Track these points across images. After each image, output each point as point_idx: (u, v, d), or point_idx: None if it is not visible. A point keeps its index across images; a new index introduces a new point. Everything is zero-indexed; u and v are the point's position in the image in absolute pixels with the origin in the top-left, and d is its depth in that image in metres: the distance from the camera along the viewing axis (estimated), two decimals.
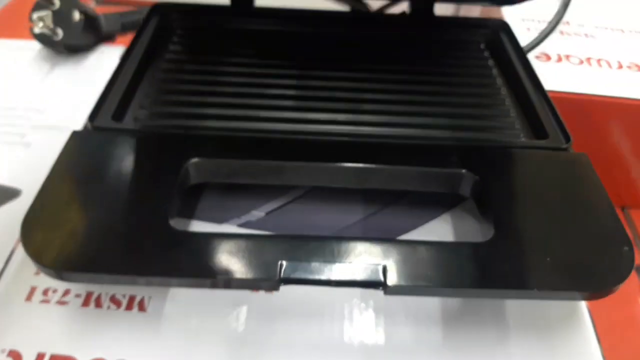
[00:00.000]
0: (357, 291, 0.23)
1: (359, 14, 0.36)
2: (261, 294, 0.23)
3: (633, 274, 0.39)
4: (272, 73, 0.30)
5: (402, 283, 0.19)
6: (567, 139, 0.26)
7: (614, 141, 0.39)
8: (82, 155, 0.23)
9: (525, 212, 0.22)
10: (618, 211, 0.42)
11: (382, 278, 0.19)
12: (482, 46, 0.34)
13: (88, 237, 0.20)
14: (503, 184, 0.23)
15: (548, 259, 0.20)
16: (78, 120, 0.32)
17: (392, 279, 0.19)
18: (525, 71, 0.31)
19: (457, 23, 0.35)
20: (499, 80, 0.31)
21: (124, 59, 0.29)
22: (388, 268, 0.19)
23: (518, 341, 0.22)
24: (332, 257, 0.20)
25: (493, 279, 0.20)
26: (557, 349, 0.22)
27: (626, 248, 0.21)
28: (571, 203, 0.23)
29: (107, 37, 0.38)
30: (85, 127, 0.25)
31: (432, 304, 0.23)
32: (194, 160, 0.23)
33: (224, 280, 0.19)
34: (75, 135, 0.24)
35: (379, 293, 0.19)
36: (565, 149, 0.26)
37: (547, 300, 0.23)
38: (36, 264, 0.20)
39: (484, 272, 0.20)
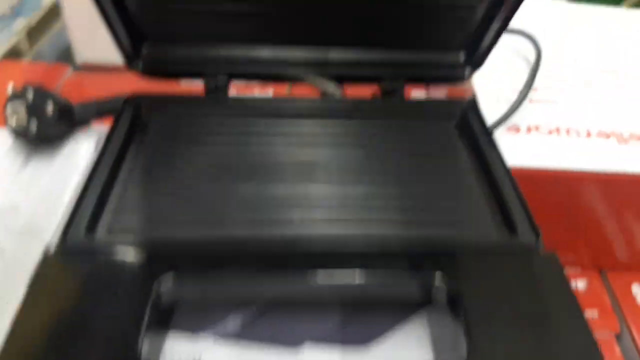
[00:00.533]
0: None
1: (330, 100, 0.36)
2: None
3: (614, 342, 0.39)
4: (247, 165, 0.30)
5: None
6: (537, 234, 0.27)
7: (590, 208, 0.39)
8: (52, 285, 0.23)
9: (497, 326, 0.22)
10: (596, 274, 0.43)
11: None
12: (452, 128, 0.35)
13: None
14: (475, 292, 0.23)
15: None
16: (51, 222, 0.32)
17: None
18: (495, 158, 0.31)
19: (426, 105, 0.36)
20: (469, 166, 0.32)
21: (97, 162, 0.29)
22: None
23: None
24: None
25: None
26: None
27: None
28: (540, 308, 0.23)
29: (81, 123, 0.38)
30: (57, 246, 0.25)
31: None
32: (167, 281, 0.23)
33: None
34: (45, 261, 0.24)
35: None
36: (536, 247, 0.26)
37: None
38: None
39: None
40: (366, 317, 0.26)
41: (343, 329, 0.26)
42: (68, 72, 0.58)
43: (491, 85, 0.42)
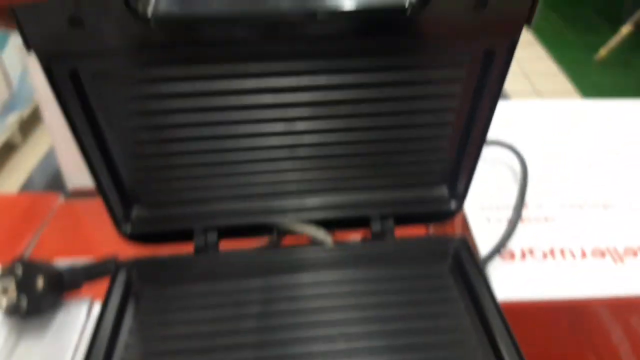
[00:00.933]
0: None
1: (321, 249, 0.36)
2: None
3: None
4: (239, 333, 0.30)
5: None
6: None
7: (593, 334, 0.39)
8: None
9: None
10: None
11: None
12: (445, 271, 0.35)
13: None
14: None
15: None
16: None
17: None
18: (488, 301, 0.31)
19: (417, 246, 0.36)
20: (463, 310, 0.32)
21: (94, 337, 0.29)
22: None
23: None
24: None
25: None
26: None
27: None
28: None
29: (72, 288, 0.37)
30: None
31: None
32: None
33: None
34: None
35: None
36: None
37: None
38: None
39: None
40: None
41: None
42: (59, 201, 0.58)
43: (483, 205, 0.43)
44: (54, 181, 0.65)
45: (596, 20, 2.78)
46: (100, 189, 0.34)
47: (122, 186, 0.34)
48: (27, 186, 0.65)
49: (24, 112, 1.93)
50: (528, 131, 0.53)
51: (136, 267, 0.34)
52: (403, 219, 0.37)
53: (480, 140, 0.34)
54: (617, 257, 0.39)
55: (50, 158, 0.70)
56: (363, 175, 0.36)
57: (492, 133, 0.50)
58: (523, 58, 2.43)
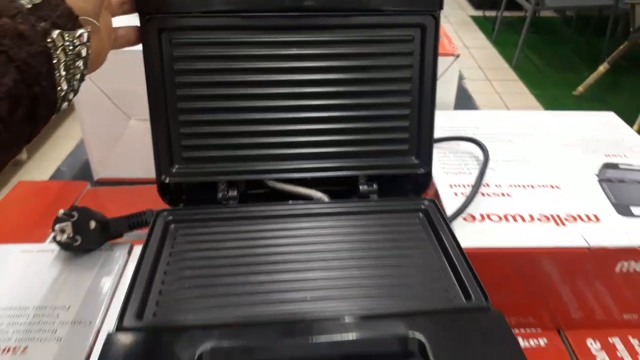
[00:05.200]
0: None
1: (321, 203, 0.45)
2: None
3: None
4: (266, 255, 0.39)
5: None
6: (486, 298, 0.34)
7: (543, 278, 0.47)
8: (116, 352, 0.30)
9: None
10: (554, 334, 0.50)
11: None
12: (417, 221, 0.44)
13: None
14: (441, 342, 0.31)
15: None
16: (96, 313, 0.39)
17: None
18: (451, 242, 0.40)
19: (395, 203, 0.45)
20: (433, 250, 0.40)
21: (139, 263, 0.37)
22: None
23: None
24: None
25: None
26: None
27: None
28: (491, 350, 0.31)
29: (115, 235, 0.46)
30: (116, 328, 0.32)
31: None
32: (206, 350, 0.30)
33: None
34: (109, 338, 0.31)
35: None
36: (486, 307, 0.34)
37: None
38: None
39: None
40: None
41: None
42: (87, 187, 0.67)
43: (450, 181, 0.52)
44: (80, 173, 0.73)
45: (575, 60, 2.95)
46: (155, 143, 0.44)
47: (169, 145, 0.44)
48: (56, 177, 0.74)
49: None
50: (494, 132, 0.63)
51: (172, 213, 0.43)
52: (386, 190, 0.46)
53: (431, 109, 0.46)
54: (560, 221, 0.48)
55: (74, 154, 0.78)
56: (350, 142, 0.45)
57: (464, 133, 0.61)
58: (505, 93, 2.58)
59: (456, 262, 0.38)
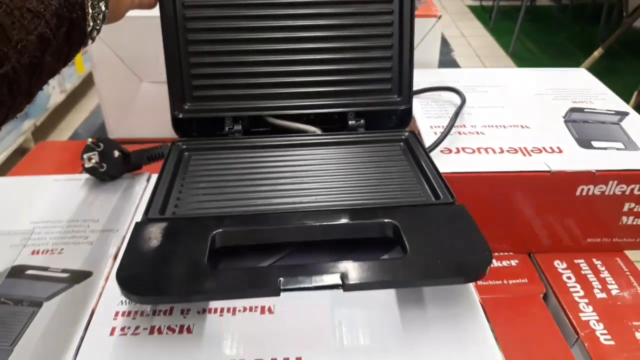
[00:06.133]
0: None
1: (314, 135, 0.52)
2: None
3: (541, 301, 0.52)
4: (267, 173, 0.45)
5: (353, 282, 0.32)
6: (452, 197, 0.41)
7: (515, 204, 0.54)
8: (144, 234, 0.37)
9: (425, 240, 0.36)
10: (525, 257, 0.57)
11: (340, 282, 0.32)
12: (398, 148, 0.50)
13: (157, 276, 0.33)
14: (412, 226, 0.37)
15: (439, 262, 0.34)
16: (122, 224, 0.46)
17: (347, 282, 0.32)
18: (427, 160, 0.46)
19: (380, 134, 0.52)
20: (411, 168, 0.47)
21: (160, 175, 0.44)
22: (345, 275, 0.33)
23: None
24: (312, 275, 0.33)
25: (406, 274, 0.33)
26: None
27: (487, 252, 0.35)
28: (454, 231, 0.37)
29: (135, 167, 0.52)
30: (143, 219, 0.39)
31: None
32: (218, 231, 0.37)
33: (245, 292, 0.32)
34: (137, 224, 0.38)
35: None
36: (451, 203, 0.40)
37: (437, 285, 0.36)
38: (125, 293, 0.32)
39: (402, 272, 0.33)
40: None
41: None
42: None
43: (430, 123, 0.59)
44: (96, 135, 0.80)
45: (571, 47, 3.00)
46: (169, 84, 0.50)
47: (181, 84, 0.50)
48: (73, 138, 0.80)
49: (37, 120, 2.10)
50: (472, 85, 0.69)
51: (186, 142, 0.49)
52: (371, 124, 0.53)
53: (410, 52, 0.52)
54: (526, 152, 0.54)
55: (90, 119, 0.85)
56: (340, 82, 0.52)
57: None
58: None
59: (429, 175, 0.45)
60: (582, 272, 0.55)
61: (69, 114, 2.33)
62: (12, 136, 1.94)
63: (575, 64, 2.62)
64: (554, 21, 3.36)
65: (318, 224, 0.38)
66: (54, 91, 2.22)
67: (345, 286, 0.32)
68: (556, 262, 0.56)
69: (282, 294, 0.32)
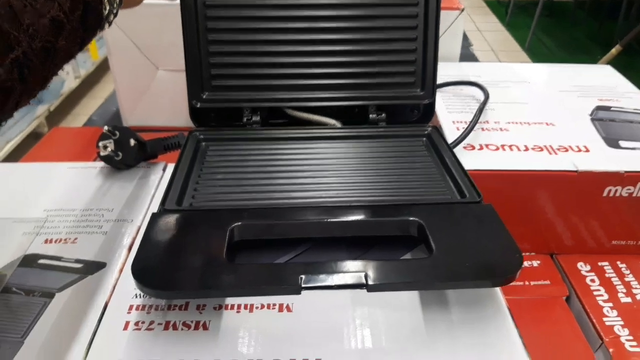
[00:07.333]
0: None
1: (334, 128, 0.50)
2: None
3: (564, 303, 0.50)
4: (286, 165, 0.44)
5: (377, 283, 0.31)
6: (479, 195, 0.39)
7: (538, 203, 0.52)
8: (161, 225, 0.36)
9: (452, 240, 0.35)
10: (547, 257, 0.55)
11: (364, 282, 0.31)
12: (421, 143, 0.49)
13: (173, 270, 0.32)
14: (438, 225, 0.36)
15: (467, 264, 0.33)
16: (137, 214, 0.45)
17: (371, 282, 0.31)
18: (451, 156, 0.45)
19: (401, 129, 0.50)
20: (435, 161, 0.45)
21: (177, 166, 0.43)
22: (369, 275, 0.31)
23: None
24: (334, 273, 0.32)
25: (432, 276, 0.32)
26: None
27: (517, 255, 0.33)
28: (482, 232, 0.35)
29: (151, 156, 0.51)
30: (159, 210, 0.38)
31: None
32: (237, 224, 0.36)
33: (264, 289, 0.31)
34: (154, 215, 0.37)
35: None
36: (478, 202, 0.39)
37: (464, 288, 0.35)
38: (140, 286, 0.31)
39: (428, 274, 0.32)
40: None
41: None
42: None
43: (453, 118, 0.57)
44: (110, 122, 0.79)
45: (588, 43, 2.96)
46: (188, 73, 0.49)
47: (200, 73, 0.49)
48: (87, 125, 0.79)
49: (52, 105, 2.10)
50: (495, 80, 0.67)
51: (203, 132, 0.48)
52: (393, 119, 0.51)
53: (435, 46, 0.50)
54: (552, 151, 0.53)
55: (105, 106, 0.84)
56: (362, 74, 0.50)
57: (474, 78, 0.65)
58: None
59: (454, 171, 0.43)
60: (607, 275, 0.54)
61: (83, 100, 2.33)
62: (25, 121, 1.94)
63: (592, 60, 2.59)
64: (571, 16, 3.31)
65: (340, 220, 0.36)
66: (68, 77, 2.22)
67: (369, 286, 0.31)
68: (579, 264, 0.55)
69: (302, 292, 0.31)
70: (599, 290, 0.52)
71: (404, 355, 0.32)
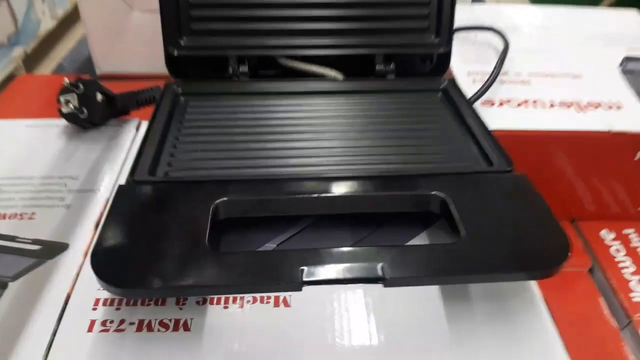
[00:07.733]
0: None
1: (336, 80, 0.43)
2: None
3: (587, 275, 0.46)
4: (279, 126, 0.37)
5: (397, 276, 0.25)
6: (509, 163, 0.33)
7: (559, 165, 0.46)
8: (129, 201, 0.29)
9: (482, 219, 0.29)
10: (568, 223, 0.50)
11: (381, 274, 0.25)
12: (437, 98, 0.42)
13: (143, 261, 0.26)
14: (464, 201, 0.30)
15: (504, 250, 0.27)
16: (106, 183, 0.38)
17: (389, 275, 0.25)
18: (473, 115, 0.38)
19: (413, 81, 0.43)
20: (454, 123, 0.39)
21: (150, 126, 0.36)
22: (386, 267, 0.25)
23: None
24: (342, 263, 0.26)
25: (463, 267, 0.26)
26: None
27: (563, 238, 0.27)
28: (517, 209, 0.30)
29: (122, 112, 0.44)
30: (128, 181, 0.31)
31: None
32: (222, 199, 0.29)
33: (256, 287, 0.25)
34: (121, 187, 0.30)
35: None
36: (509, 171, 0.33)
37: (501, 282, 0.29)
38: (102, 283, 0.25)
39: (460, 265, 0.26)
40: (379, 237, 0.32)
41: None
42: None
43: (468, 69, 0.50)
44: (82, 69, 0.71)
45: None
46: (162, 14, 0.42)
47: (177, 15, 0.41)
48: (57, 72, 0.71)
49: (28, 47, 1.98)
50: (514, 25, 0.60)
51: (182, 85, 0.41)
52: (403, 70, 0.44)
53: None
54: (580, 108, 0.46)
55: (76, 50, 0.75)
56: (367, 17, 0.43)
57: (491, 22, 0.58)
58: None
59: (477, 133, 0.37)
60: (632, 244, 0.49)
61: (61, 42, 2.20)
62: (1, 64, 1.83)
63: (593, 1, 2.48)
64: None
65: (346, 193, 0.30)
66: (45, 17, 2.08)
67: (386, 281, 0.25)
68: (603, 232, 0.50)
69: (304, 287, 0.25)
70: (624, 261, 0.47)
71: (424, 353, 0.27)
